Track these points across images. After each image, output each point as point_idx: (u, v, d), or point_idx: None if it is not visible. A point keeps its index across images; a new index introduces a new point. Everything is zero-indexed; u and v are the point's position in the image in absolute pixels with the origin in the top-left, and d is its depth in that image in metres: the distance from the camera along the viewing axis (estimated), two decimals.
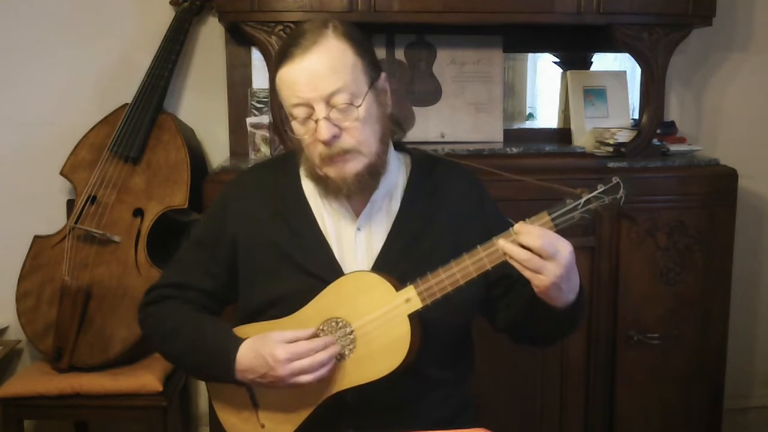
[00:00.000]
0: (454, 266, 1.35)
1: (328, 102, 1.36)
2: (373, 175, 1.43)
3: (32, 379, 2.30)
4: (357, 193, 1.44)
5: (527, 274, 1.30)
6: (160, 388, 2.28)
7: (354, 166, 1.40)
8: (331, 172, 1.41)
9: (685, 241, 2.41)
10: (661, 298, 2.43)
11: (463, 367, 1.58)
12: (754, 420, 3.04)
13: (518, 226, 1.30)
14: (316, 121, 1.37)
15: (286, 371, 1.35)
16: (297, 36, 1.40)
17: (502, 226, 1.45)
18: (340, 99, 1.36)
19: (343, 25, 1.42)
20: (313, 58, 1.36)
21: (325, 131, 1.36)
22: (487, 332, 1.63)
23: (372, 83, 1.42)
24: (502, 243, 1.30)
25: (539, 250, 1.27)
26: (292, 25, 2.30)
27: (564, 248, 1.29)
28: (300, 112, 1.38)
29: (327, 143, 1.37)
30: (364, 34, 1.45)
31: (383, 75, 1.46)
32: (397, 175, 1.51)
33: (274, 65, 1.45)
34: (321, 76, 1.36)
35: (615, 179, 1.32)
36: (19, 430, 2.31)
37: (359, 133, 1.39)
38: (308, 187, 1.51)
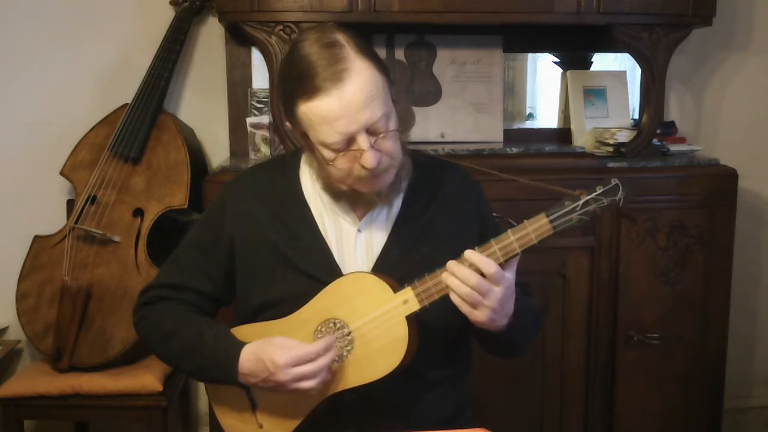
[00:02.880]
0: None
1: (368, 130, 1.34)
2: (399, 179, 1.44)
3: (32, 379, 2.30)
4: (386, 199, 1.44)
5: (465, 309, 1.32)
6: (160, 388, 2.28)
7: (388, 178, 1.41)
8: (364, 188, 1.40)
9: (685, 241, 2.41)
10: (661, 298, 2.43)
11: (461, 366, 1.58)
12: (754, 420, 3.04)
13: (468, 254, 1.31)
14: (361, 152, 1.34)
15: (287, 376, 1.35)
16: (313, 62, 1.33)
17: (496, 231, 1.46)
18: (381, 125, 1.35)
19: (353, 39, 1.37)
20: (348, 89, 1.32)
21: (372, 160, 1.34)
22: None
23: (392, 97, 1.41)
24: (446, 276, 1.31)
25: (475, 287, 1.29)
26: (292, 25, 2.30)
27: (500, 287, 1.31)
28: (339, 144, 1.35)
29: (373, 170, 1.35)
30: (367, 40, 1.42)
31: (393, 85, 1.45)
32: (408, 167, 1.51)
33: (290, 90, 1.38)
34: (361, 107, 1.32)
35: (614, 181, 1.32)
36: (19, 430, 2.31)
37: (393, 149, 1.38)
38: (308, 189, 1.51)
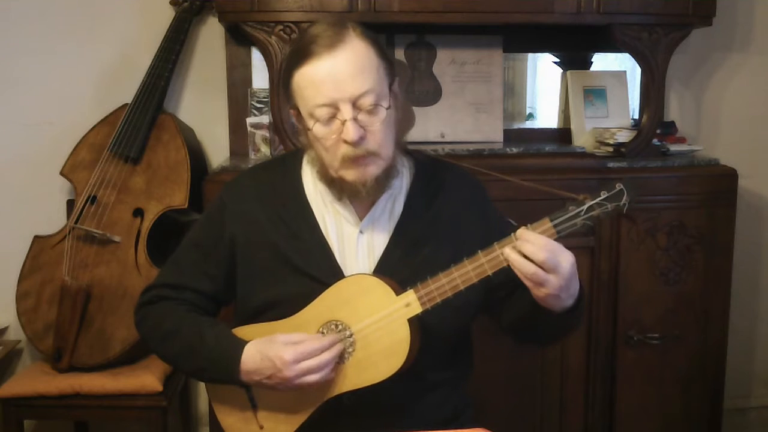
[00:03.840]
0: (454, 271, 1.35)
1: (354, 103, 1.35)
2: (387, 178, 1.43)
3: (32, 379, 2.30)
4: (373, 195, 1.44)
5: (529, 284, 1.31)
6: (160, 388, 2.28)
7: (374, 169, 1.40)
8: (349, 174, 1.39)
9: (685, 241, 2.41)
10: (661, 298, 2.43)
11: (462, 368, 1.58)
12: (754, 420, 3.04)
13: (521, 232, 1.30)
14: (343, 123, 1.35)
15: (293, 372, 1.35)
16: (316, 35, 1.37)
17: (503, 230, 1.45)
18: (367, 101, 1.36)
19: (360, 26, 1.41)
20: (339, 57, 1.35)
21: (353, 132, 1.34)
22: (487, 332, 1.63)
23: (390, 86, 1.42)
24: (508, 252, 1.30)
25: (542, 264, 1.28)
26: (292, 25, 2.30)
27: (566, 260, 1.29)
28: (323, 113, 1.36)
29: (354, 144, 1.35)
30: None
31: (397, 79, 1.46)
32: (401, 178, 1.51)
33: (289, 64, 1.42)
34: (349, 77, 1.34)
35: (618, 186, 1.32)
36: (19, 430, 2.31)
37: (381, 136, 1.38)
38: (309, 189, 1.51)
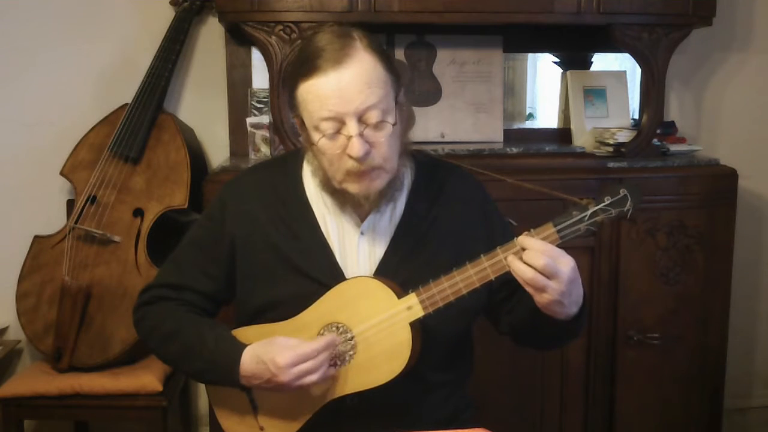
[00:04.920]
0: (456, 275, 1.34)
1: (360, 118, 1.34)
2: (391, 189, 1.43)
3: (32, 379, 2.30)
4: (376, 205, 1.44)
5: (530, 290, 1.30)
6: (160, 388, 2.28)
7: (379, 183, 1.39)
8: (353, 187, 1.39)
9: (685, 241, 2.41)
10: (661, 298, 2.43)
11: (462, 369, 1.58)
12: (754, 420, 3.04)
13: (521, 238, 1.30)
14: (349, 138, 1.34)
15: (289, 376, 1.35)
16: (322, 48, 1.35)
17: (504, 232, 1.44)
18: (373, 115, 1.34)
19: (367, 37, 1.39)
20: (345, 71, 1.33)
21: (359, 148, 1.33)
22: (487, 332, 1.63)
23: (396, 98, 1.41)
24: (511, 259, 1.29)
25: (542, 270, 1.27)
26: (292, 25, 2.30)
27: (566, 265, 1.29)
28: (328, 127, 1.35)
29: (360, 160, 1.34)
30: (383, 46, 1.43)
31: (402, 89, 1.45)
32: (402, 179, 1.51)
33: (294, 73, 1.40)
34: (355, 91, 1.33)
35: (622, 191, 1.31)
36: (19, 430, 2.31)
37: (386, 149, 1.37)
38: (310, 190, 1.51)
